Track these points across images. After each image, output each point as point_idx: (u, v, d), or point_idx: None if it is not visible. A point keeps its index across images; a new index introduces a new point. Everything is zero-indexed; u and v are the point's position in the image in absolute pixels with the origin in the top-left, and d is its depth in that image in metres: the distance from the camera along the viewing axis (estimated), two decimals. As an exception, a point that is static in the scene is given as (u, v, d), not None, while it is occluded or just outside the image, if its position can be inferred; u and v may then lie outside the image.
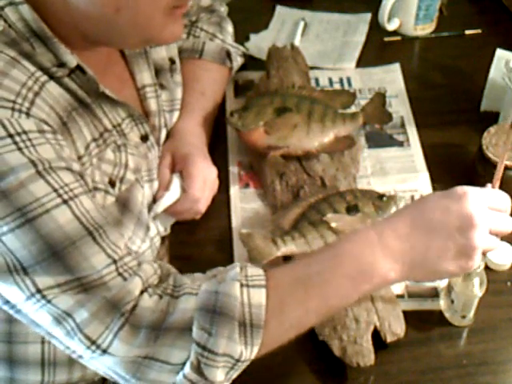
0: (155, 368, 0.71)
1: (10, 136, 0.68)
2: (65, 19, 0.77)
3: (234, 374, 0.73)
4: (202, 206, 0.95)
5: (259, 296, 0.72)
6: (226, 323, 0.70)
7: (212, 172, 0.97)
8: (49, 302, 0.70)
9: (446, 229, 0.74)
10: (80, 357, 0.73)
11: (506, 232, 0.77)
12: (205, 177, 0.95)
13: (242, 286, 0.72)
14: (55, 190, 0.69)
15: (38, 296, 0.70)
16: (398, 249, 0.74)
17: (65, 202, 0.70)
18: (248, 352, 0.72)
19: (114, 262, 0.72)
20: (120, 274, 0.72)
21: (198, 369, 0.71)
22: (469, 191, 0.74)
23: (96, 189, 0.79)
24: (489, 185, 0.79)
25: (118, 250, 0.73)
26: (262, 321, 0.71)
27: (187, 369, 0.71)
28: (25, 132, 0.69)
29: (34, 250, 0.68)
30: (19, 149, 0.68)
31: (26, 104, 0.71)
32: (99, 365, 0.73)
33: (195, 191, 0.93)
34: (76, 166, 0.74)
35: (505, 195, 0.78)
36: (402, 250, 0.75)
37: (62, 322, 0.71)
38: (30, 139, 0.69)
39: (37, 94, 0.73)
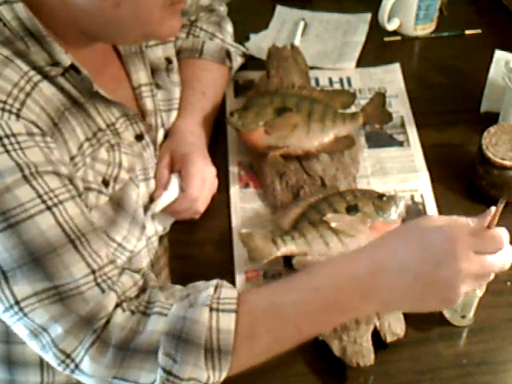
0: None
1: None
2: (62, 15, 0.77)
3: None
4: (201, 205, 0.95)
5: (228, 321, 0.71)
6: (191, 350, 0.70)
7: (211, 172, 0.97)
8: (25, 315, 0.70)
9: (431, 276, 0.71)
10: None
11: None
12: (204, 176, 0.95)
13: (211, 309, 0.72)
14: (40, 196, 0.70)
15: (15, 308, 0.70)
16: (379, 289, 0.73)
17: (48, 208, 0.70)
18: (216, 376, 0.71)
19: (93, 271, 0.72)
20: (98, 285, 0.72)
21: None
22: (457, 242, 0.70)
23: (89, 189, 0.79)
24: (492, 208, 0.74)
25: (99, 259, 0.73)
26: (230, 346, 0.70)
27: None
28: (13, 135, 0.69)
29: (15, 254, 0.69)
30: (7, 151, 0.69)
31: (17, 105, 0.71)
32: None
33: (194, 190, 0.93)
34: (64, 170, 0.74)
35: (498, 236, 0.72)
36: (382, 291, 0.73)
37: (38, 336, 0.72)
38: (18, 142, 0.69)
39: (28, 95, 0.73)
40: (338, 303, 0.73)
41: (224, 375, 0.72)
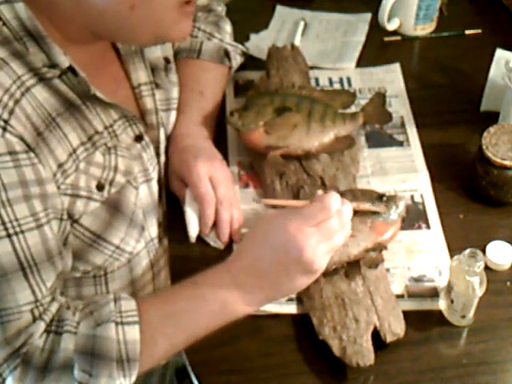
0: None
1: None
2: (73, 17, 0.77)
3: None
4: (229, 203, 0.95)
5: (133, 332, 0.76)
6: (104, 365, 0.74)
7: (214, 167, 0.96)
8: None
9: (288, 265, 0.76)
10: None
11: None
12: (210, 176, 0.94)
13: (117, 324, 0.76)
14: (3, 224, 0.71)
15: None
16: (252, 286, 0.78)
17: (9, 235, 0.72)
18: (127, 381, 0.76)
19: (36, 300, 0.75)
20: (31, 311, 0.75)
21: None
22: (290, 226, 0.75)
23: (77, 196, 0.80)
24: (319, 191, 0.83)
25: (44, 288, 0.75)
26: (137, 355, 0.75)
27: None
28: None
29: None
30: None
31: (5, 115, 0.71)
32: None
33: (205, 197, 0.93)
34: (37, 190, 0.74)
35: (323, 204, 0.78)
36: (255, 286, 0.78)
37: None
38: None
39: (17, 102, 0.73)
40: (222, 308, 0.79)
41: (133, 379, 0.77)
